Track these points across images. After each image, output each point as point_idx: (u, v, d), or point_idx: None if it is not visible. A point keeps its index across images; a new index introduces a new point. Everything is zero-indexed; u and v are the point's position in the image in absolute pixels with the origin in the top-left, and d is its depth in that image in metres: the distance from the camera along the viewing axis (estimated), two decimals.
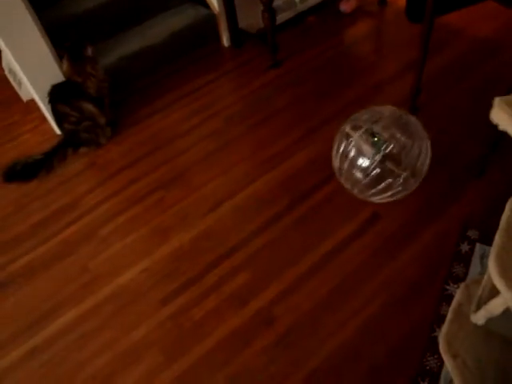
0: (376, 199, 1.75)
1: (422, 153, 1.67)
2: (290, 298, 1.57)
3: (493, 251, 0.95)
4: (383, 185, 1.67)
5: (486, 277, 1.11)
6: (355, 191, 1.77)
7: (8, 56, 2.13)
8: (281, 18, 2.65)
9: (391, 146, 1.63)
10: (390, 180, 1.66)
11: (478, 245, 1.68)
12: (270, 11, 2.30)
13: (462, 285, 1.24)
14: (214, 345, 1.49)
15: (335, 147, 1.76)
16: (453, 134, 2.02)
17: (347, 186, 1.80)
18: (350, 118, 1.75)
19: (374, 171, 1.66)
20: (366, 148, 1.67)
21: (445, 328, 1.17)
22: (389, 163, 1.66)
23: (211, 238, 1.77)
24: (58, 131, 2.28)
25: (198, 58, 2.68)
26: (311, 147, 2.08)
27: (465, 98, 2.18)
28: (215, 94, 2.43)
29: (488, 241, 1.67)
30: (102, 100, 2.14)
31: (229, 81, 2.51)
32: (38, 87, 2.13)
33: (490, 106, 1.00)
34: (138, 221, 1.87)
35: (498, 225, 0.99)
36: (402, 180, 1.66)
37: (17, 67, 2.08)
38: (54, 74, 2.11)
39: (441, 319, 1.47)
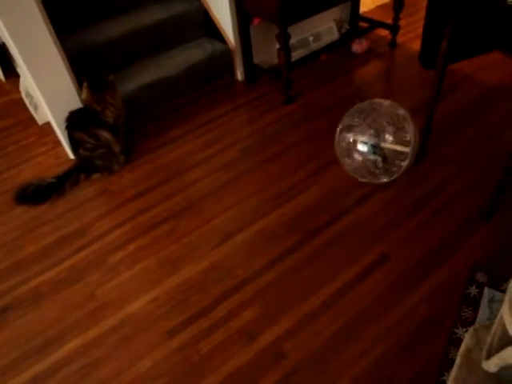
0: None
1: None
2: (298, 336, 1.56)
3: (507, 300, 0.96)
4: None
5: (496, 323, 1.11)
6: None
7: (27, 79, 2.18)
8: (295, 55, 2.72)
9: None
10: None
11: (486, 289, 1.67)
12: (286, 49, 2.37)
13: (471, 329, 1.24)
14: (222, 380, 1.46)
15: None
16: (461, 178, 2.05)
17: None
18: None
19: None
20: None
21: (453, 372, 1.16)
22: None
23: (221, 271, 1.77)
24: (71, 155, 2.31)
25: (213, 91, 2.74)
26: (322, 183, 2.11)
27: (474, 142, 2.22)
28: (228, 126, 2.47)
29: (496, 285, 1.67)
30: (117, 128, 2.18)
31: (242, 114, 2.56)
32: (55, 112, 2.17)
33: (499, 151, 1.02)
34: (147, 250, 1.87)
35: (506, 269, 0.99)
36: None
37: (36, 91, 2.12)
38: (73, 100, 2.16)
39: (449, 363, 1.46)
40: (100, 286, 1.76)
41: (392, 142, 1.87)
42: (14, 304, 1.75)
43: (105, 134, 2.11)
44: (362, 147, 1.92)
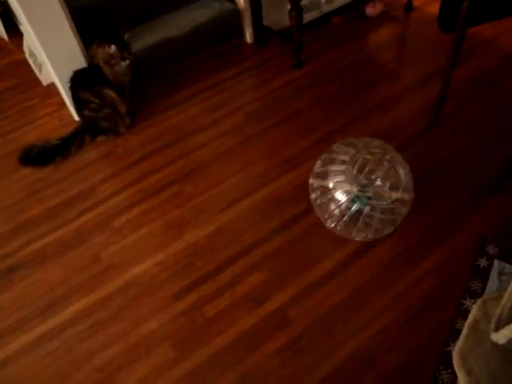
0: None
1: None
2: (304, 302, 1.55)
3: None
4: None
5: (506, 295, 1.09)
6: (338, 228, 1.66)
7: (31, 38, 2.11)
8: (306, 17, 2.61)
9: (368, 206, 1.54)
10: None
11: (496, 261, 1.65)
12: (297, 10, 2.27)
13: (479, 300, 1.21)
14: (227, 343, 1.47)
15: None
16: (474, 148, 1.99)
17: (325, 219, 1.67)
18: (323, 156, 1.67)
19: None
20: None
21: (460, 343, 1.15)
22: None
23: (227, 236, 1.75)
24: (76, 117, 2.26)
25: (220, 53, 2.65)
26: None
27: (490, 112, 2.15)
28: (236, 90, 2.41)
29: (507, 257, 1.64)
30: (123, 88, 2.12)
31: (250, 78, 2.49)
32: (59, 72, 2.11)
33: None
34: (153, 213, 1.85)
35: None
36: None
37: (40, 50, 2.06)
38: (77, 59, 2.09)
39: (456, 334, 1.45)
40: (105, 248, 1.75)
41: (387, 189, 1.56)
42: (20, 265, 1.74)
43: (110, 93, 2.05)
44: (347, 198, 1.55)
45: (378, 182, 1.56)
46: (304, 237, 1.74)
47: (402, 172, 1.59)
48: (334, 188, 1.59)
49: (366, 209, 1.54)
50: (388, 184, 1.56)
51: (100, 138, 2.17)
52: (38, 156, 2.09)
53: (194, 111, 2.30)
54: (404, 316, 1.50)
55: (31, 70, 2.70)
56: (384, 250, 1.67)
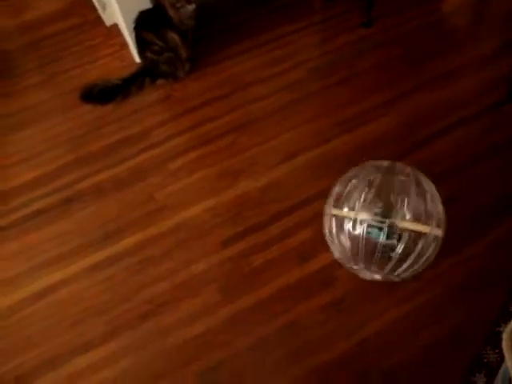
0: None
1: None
2: None
3: None
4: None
5: None
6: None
7: None
8: None
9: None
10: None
11: None
12: None
13: None
14: (271, 293, 1.49)
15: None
16: None
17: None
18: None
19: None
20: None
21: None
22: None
23: (279, 190, 1.74)
24: (137, 59, 2.27)
25: (286, 5, 2.56)
26: (392, 116, 1.98)
27: None
28: (299, 44, 2.33)
29: None
30: (186, 33, 2.09)
31: (315, 33, 2.40)
32: (125, 11, 2.10)
33: None
34: (207, 160, 1.86)
35: None
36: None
37: None
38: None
39: (508, 316, 1.41)
40: (159, 189, 1.79)
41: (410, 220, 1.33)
42: (77, 196, 1.81)
43: (174, 36, 2.03)
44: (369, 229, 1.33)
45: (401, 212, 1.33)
46: None
47: (430, 202, 1.36)
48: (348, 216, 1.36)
49: (380, 240, 1.32)
50: (408, 215, 1.32)
51: (159, 82, 2.17)
52: (98, 94, 2.12)
53: (254, 63, 2.25)
54: (455, 289, 1.47)
55: (95, 9, 2.70)
56: None
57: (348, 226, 1.36)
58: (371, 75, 2.16)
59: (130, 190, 1.80)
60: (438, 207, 1.38)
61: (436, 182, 1.71)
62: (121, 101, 2.13)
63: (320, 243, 1.58)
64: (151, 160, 1.88)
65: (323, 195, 1.70)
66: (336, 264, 1.53)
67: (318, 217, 1.65)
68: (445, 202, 1.62)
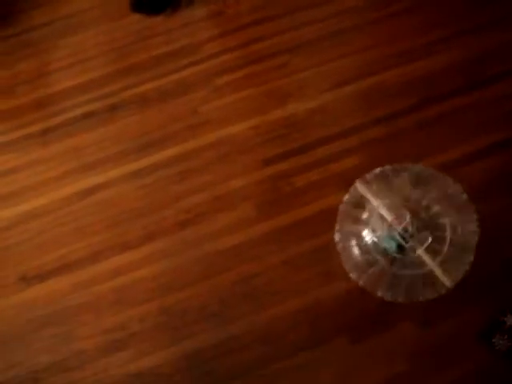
0: None
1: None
2: None
3: None
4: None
5: None
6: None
7: None
8: None
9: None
10: None
11: None
12: None
13: None
14: (309, 215, 1.47)
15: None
16: None
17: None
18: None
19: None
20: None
21: None
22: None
23: (328, 115, 1.68)
24: None
25: None
26: (454, 52, 1.84)
27: None
28: None
29: None
30: None
31: None
32: None
33: None
34: (256, 79, 1.80)
35: None
36: None
37: None
38: None
39: None
40: (204, 103, 1.75)
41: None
42: (121, 105, 1.80)
43: None
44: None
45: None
46: (407, 131, 1.63)
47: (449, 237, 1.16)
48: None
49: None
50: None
51: None
52: (148, 4, 2.05)
53: None
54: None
55: None
56: (489, 165, 1.53)
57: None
58: (434, 8, 2.00)
59: (175, 102, 1.77)
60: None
61: (491, 122, 1.62)
62: (171, 13, 2.06)
63: (367, 171, 1.53)
64: (198, 74, 1.84)
65: (372, 126, 1.65)
66: None
67: (364, 146, 1.60)
68: (499, 145, 1.54)
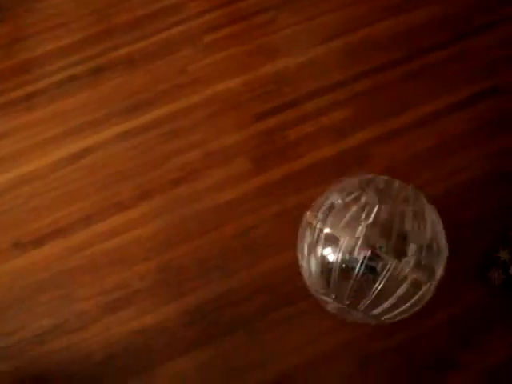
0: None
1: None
2: (386, 145, 1.51)
3: None
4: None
5: None
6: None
7: None
8: None
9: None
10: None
11: None
12: None
13: None
14: (304, 167, 1.48)
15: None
16: None
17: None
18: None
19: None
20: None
21: None
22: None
23: (317, 69, 1.67)
24: None
25: None
26: (438, 6, 1.83)
27: None
28: None
29: None
30: None
31: None
32: None
33: None
34: (244, 36, 1.77)
35: None
36: None
37: None
38: None
39: None
40: (192, 62, 1.73)
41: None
42: (108, 66, 1.76)
43: None
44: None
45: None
46: (395, 82, 1.63)
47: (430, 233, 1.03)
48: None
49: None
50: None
51: None
52: None
53: None
54: (490, 175, 1.44)
55: None
56: (478, 111, 1.55)
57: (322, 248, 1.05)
58: None
59: (162, 62, 1.74)
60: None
61: (478, 71, 1.62)
62: None
63: (357, 122, 1.54)
64: (184, 33, 1.80)
65: (361, 78, 1.64)
66: (373, 142, 1.50)
67: (354, 97, 1.61)
68: (487, 93, 1.54)
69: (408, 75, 1.65)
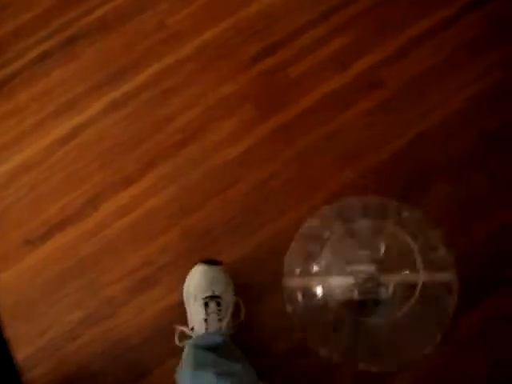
0: None
1: None
2: (396, 64, 1.40)
3: None
4: None
5: None
6: None
7: None
8: None
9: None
10: None
11: None
12: None
13: None
14: (312, 103, 1.38)
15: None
16: None
17: None
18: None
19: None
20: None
21: None
22: None
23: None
24: None
25: None
26: None
27: None
28: None
29: None
30: None
31: None
32: None
33: None
34: None
35: None
36: None
37: None
38: None
39: None
40: (170, 15, 1.57)
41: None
42: (81, 35, 1.60)
43: None
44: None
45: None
46: (390, 2, 1.51)
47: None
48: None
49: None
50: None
51: None
52: None
53: None
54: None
55: None
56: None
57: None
58: None
59: (138, 20, 1.59)
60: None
61: None
62: None
63: (360, 47, 1.43)
64: None
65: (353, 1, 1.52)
66: (380, 64, 1.40)
67: (352, 21, 1.48)
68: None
69: None
